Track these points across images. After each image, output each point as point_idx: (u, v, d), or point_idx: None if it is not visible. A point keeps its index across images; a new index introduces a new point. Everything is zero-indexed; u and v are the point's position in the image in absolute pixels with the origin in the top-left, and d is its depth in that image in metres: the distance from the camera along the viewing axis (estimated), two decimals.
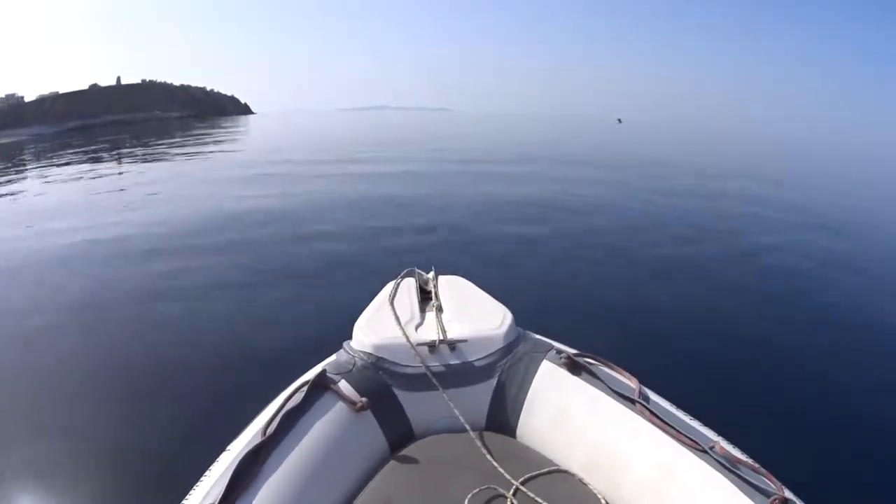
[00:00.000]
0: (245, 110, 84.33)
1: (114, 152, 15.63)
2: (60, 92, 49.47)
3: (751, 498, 0.88)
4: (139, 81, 60.52)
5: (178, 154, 14.51)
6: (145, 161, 13.33)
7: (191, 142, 19.07)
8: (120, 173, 10.46)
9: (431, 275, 1.67)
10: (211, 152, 14.42)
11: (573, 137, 27.61)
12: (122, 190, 8.45)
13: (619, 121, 73.49)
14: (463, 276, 1.67)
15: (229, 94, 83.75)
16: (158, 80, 63.27)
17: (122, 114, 48.93)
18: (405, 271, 1.68)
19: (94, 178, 9.91)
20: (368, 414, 1.17)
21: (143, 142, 19.81)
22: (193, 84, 71.65)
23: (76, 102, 48.55)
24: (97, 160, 13.54)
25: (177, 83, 66.79)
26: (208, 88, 74.76)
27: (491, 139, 23.84)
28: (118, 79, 58.10)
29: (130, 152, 15.24)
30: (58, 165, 12.79)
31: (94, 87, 53.98)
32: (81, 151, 15.59)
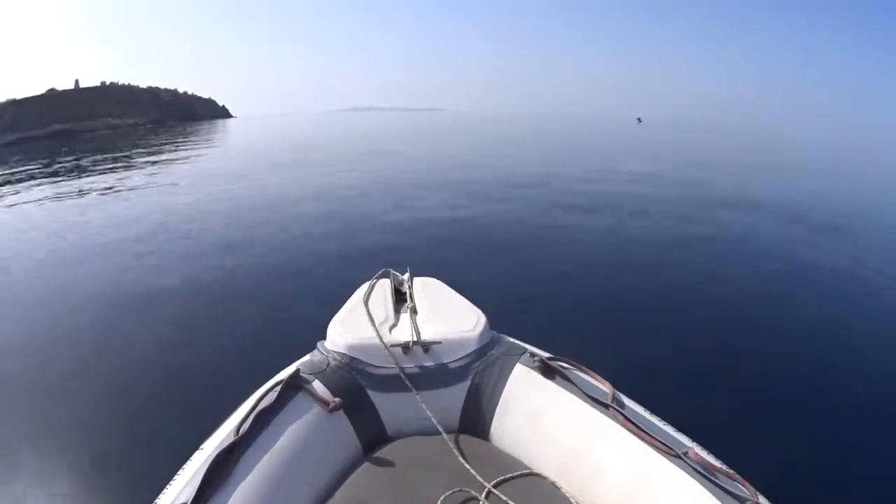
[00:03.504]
0: (222, 114, 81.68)
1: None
2: (17, 98, 47.99)
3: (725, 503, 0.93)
4: (98, 84, 58.82)
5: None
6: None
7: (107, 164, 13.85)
8: None
9: (406, 276, 1.76)
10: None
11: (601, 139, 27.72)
12: None
13: (639, 120, 72.82)
14: (438, 278, 1.76)
15: (207, 96, 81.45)
16: (121, 83, 61.66)
17: (71, 122, 45.40)
18: (380, 272, 1.77)
19: None
20: (341, 414, 1.25)
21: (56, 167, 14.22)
22: (164, 86, 69.47)
23: (28, 110, 46.80)
24: None
25: (144, 85, 65.22)
26: (181, 90, 72.78)
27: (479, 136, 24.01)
28: (76, 82, 56.72)
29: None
30: None
31: (52, 91, 52.96)
32: None
